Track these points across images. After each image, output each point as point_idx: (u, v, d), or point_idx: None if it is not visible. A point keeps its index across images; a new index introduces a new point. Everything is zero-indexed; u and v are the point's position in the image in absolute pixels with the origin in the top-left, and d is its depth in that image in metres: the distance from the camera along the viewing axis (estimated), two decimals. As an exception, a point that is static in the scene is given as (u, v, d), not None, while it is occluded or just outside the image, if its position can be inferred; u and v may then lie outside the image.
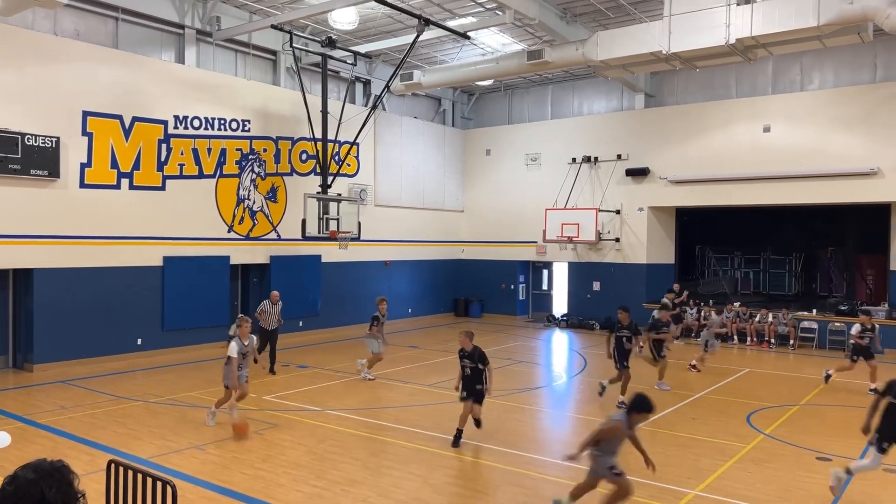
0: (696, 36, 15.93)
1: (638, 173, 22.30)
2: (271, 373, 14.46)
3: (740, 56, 16.53)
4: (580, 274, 23.88)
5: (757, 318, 20.00)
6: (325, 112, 18.22)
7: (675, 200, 22.06)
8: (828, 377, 13.92)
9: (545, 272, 26.27)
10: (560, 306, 25.20)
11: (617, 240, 22.77)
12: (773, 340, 19.32)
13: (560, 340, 20.95)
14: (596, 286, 23.39)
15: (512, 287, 25.38)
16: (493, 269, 25.64)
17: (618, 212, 22.76)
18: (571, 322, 23.45)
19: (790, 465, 9.02)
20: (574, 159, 23.70)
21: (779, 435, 10.37)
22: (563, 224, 22.49)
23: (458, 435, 9.62)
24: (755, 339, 19.67)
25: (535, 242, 24.25)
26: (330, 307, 20.47)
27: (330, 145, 18.50)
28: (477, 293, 25.92)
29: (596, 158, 23.27)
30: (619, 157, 22.78)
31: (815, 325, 19.48)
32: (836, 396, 13.17)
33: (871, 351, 13.33)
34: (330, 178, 18.32)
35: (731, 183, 20.57)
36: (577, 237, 22.31)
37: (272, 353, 14.65)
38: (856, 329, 13.57)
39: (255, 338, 10.86)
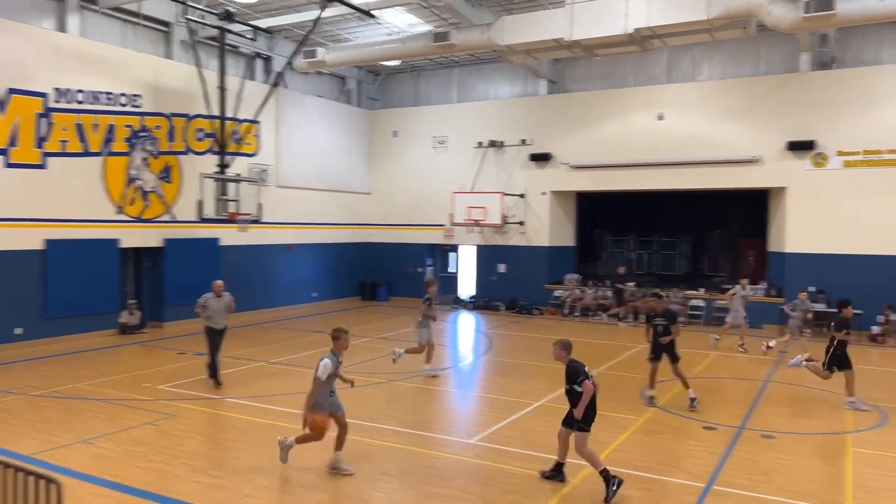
0: (596, 25, 16.40)
1: (541, 158, 22.81)
2: (215, 381, 11.92)
3: (638, 46, 17.16)
4: (486, 256, 24.24)
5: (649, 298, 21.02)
6: (222, 88, 17.43)
7: (576, 185, 22.74)
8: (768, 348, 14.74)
9: (452, 255, 26.50)
10: (467, 288, 25.51)
11: (521, 223, 23.24)
12: (621, 315, 20.52)
13: (466, 322, 21.23)
14: (502, 268, 23.82)
15: (420, 270, 25.43)
16: (400, 253, 25.58)
17: (522, 196, 23.21)
18: (478, 304, 23.81)
19: (680, 435, 9.55)
20: (480, 143, 23.93)
21: (670, 407, 10.95)
22: (470, 207, 22.71)
23: (558, 468, 7.72)
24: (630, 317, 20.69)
25: (443, 226, 24.37)
26: (230, 292, 19.72)
27: (228, 123, 17.75)
28: (384, 276, 25.80)
29: (502, 143, 23.59)
30: (523, 141, 23.19)
31: (702, 303, 20.69)
32: (724, 370, 14.05)
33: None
34: (228, 158, 17.59)
35: (628, 169, 21.43)
36: (484, 220, 22.61)
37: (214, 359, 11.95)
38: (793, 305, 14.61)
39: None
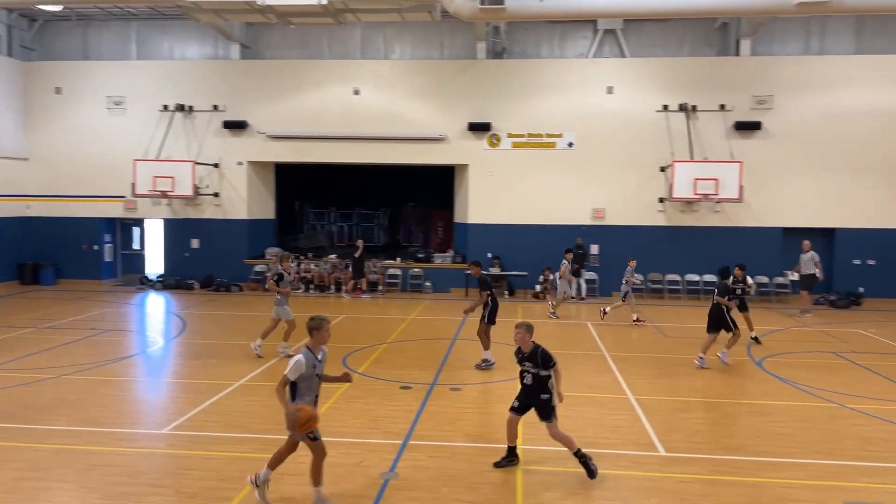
0: (290, -10, 16.00)
1: (236, 126, 21.73)
2: None
3: (332, 18, 17.20)
4: (177, 231, 22.42)
5: (351, 268, 21.61)
6: None
7: (275, 156, 22.19)
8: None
9: (136, 230, 24.00)
10: (155, 266, 23.37)
11: (216, 195, 21.95)
12: (364, 289, 21.13)
13: (156, 303, 19.45)
14: (195, 243, 22.27)
15: (96, 248, 22.55)
16: (70, 228, 22.34)
17: (216, 165, 21.90)
18: (168, 283, 21.93)
19: (379, 397, 9.96)
20: (166, 107, 21.90)
21: (370, 372, 11.38)
22: (155, 177, 20.71)
23: (511, 452, 7.40)
24: (350, 287, 21.24)
25: (124, 197, 21.87)
26: None
27: None
28: (49, 257, 22.33)
29: (191, 108, 21.89)
30: (215, 107, 21.82)
31: (399, 272, 21.90)
32: (418, 332, 15.04)
33: (745, 302, 13.77)
34: None
35: (327, 141, 21.56)
36: (173, 192, 20.82)
37: None
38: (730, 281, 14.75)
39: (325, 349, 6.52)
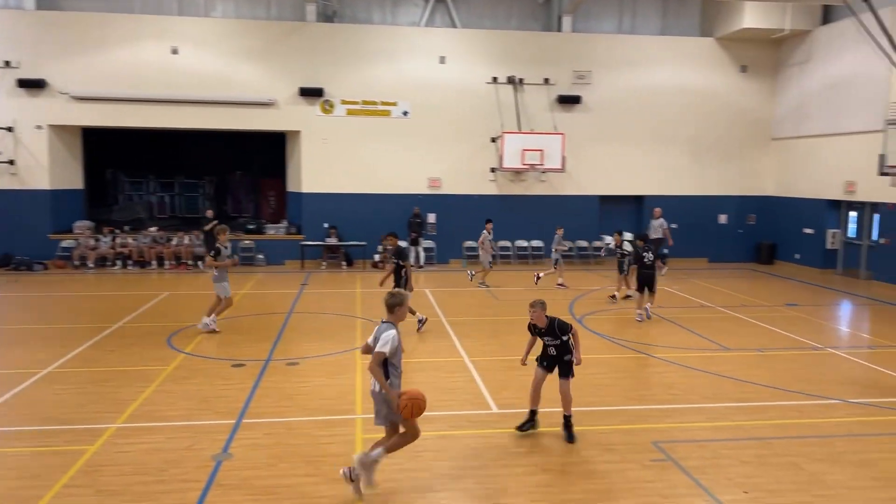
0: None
1: (33, 85, 19.24)
2: None
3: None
4: (-38, 204, 19.58)
5: (174, 242, 20.23)
6: None
7: (81, 119, 19.97)
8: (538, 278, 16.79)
9: None
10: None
11: (11, 162, 19.41)
12: (190, 262, 19.89)
13: (-62, 286, 16.94)
14: (-14, 218, 19.63)
15: None
16: None
17: (10, 129, 19.33)
18: (-46, 263, 19.16)
19: (210, 377, 9.45)
20: (-59, 60, 18.89)
21: (199, 351, 10.75)
22: (-70, 141, 17.85)
23: (532, 416, 7.52)
24: (174, 261, 19.87)
25: None
26: None
27: None
28: None
29: (-26, 62, 19.06)
30: (7, 63, 19.16)
31: (228, 244, 20.77)
32: (250, 307, 14.43)
33: (623, 266, 15.47)
34: None
35: (141, 104, 19.78)
36: (-46, 158, 18.10)
37: None
38: (612, 243, 16.33)
39: None
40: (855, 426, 7.84)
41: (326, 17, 20.82)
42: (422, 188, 21.22)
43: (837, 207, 20.22)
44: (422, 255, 20.74)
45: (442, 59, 20.93)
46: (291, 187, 22.01)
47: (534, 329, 7.49)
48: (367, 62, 20.62)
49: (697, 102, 21.98)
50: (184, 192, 26.93)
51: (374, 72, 20.67)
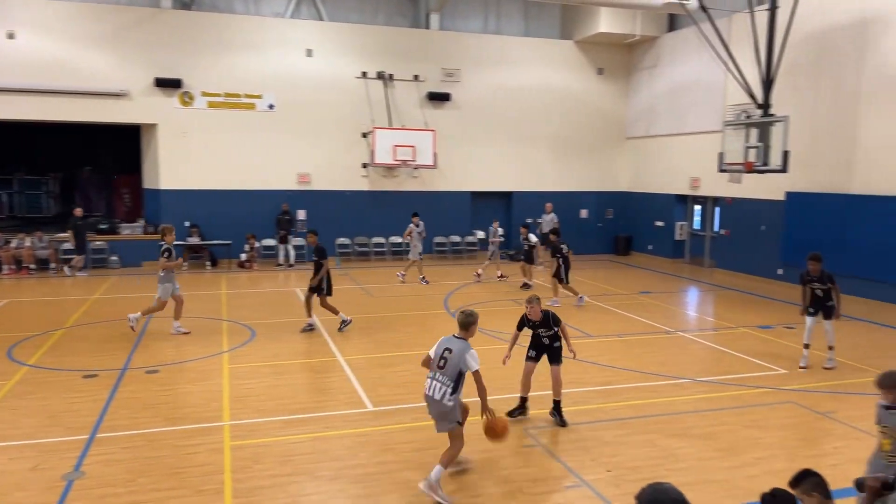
0: None
1: None
2: None
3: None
4: None
5: (14, 244, 18.40)
6: None
7: None
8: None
9: None
10: None
11: None
12: (32, 266, 18.18)
13: None
14: None
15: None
16: None
17: None
18: None
19: (58, 390, 8.68)
20: None
21: (45, 363, 9.85)
22: None
23: (523, 403, 7.97)
24: (13, 266, 18.07)
25: None
26: None
27: None
28: None
29: None
30: None
31: (72, 246, 19.20)
32: (104, 313, 13.39)
33: (532, 258, 16.83)
34: None
35: (-29, 91, 17.79)
36: None
37: None
38: (494, 232, 17.44)
39: None
40: (701, 403, 8.54)
41: (184, 4, 19.71)
42: (291, 184, 20.68)
43: (685, 202, 21.94)
44: (291, 253, 20.18)
45: (309, 52, 20.48)
46: (148, 184, 20.67)
47: (526, 322, 7.87)
48: (229, 53, 19.76)
49: (559, 102, 23.00)
50: (24, 189, 24.56)
51: (236, 63, 19.85)
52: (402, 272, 17.59)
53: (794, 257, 16.74)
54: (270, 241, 20.42)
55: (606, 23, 21.45)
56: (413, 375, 9.52)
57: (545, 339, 7.87)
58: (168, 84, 19.17)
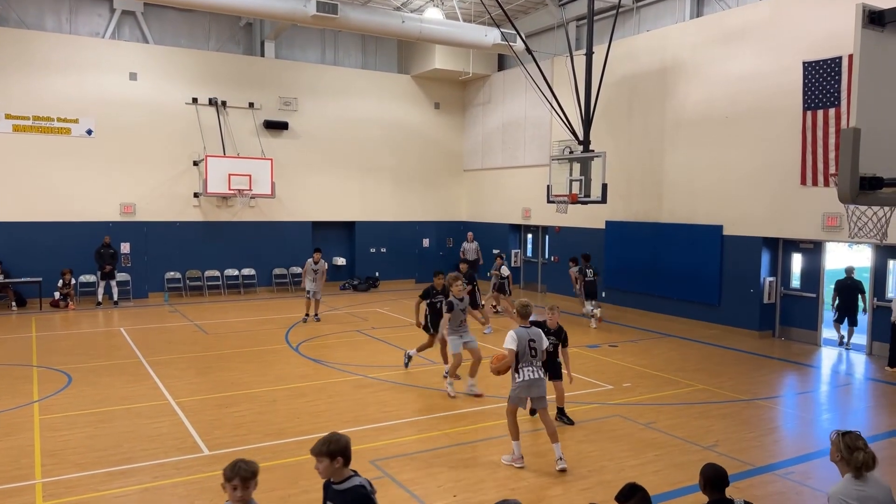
0: None
1: None
2: None
3: None
4: None
5: None
6: None
7: None
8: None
9: None
10: None
11: None
12: None
13: None
14: None
15: None
16: None
17: None
18: None
19: None
20: None
21: None
22: None
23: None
24: None
25: None
26: None
27: None
28: None
29: None
30: None
31: None
32: None
33: (504, 287, 16.81)
34: None
35: None
36: None
37: None
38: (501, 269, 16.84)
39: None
40: (537, 422, 8.94)
41: (-16, 16, 17.76)
42: (113, 215, 19.13)
43: (518, 230, 23.13)
44: (114, 289, 18.53)
45: (133, 76, 19.22)
46: (-62, 216, 18.14)
47: (541, 326, 8.22)
48: (38, 73, 18.02)
49: (398, 134, 23.44)
50: None
51: (48, 84, 18.15)
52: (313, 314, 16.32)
53: (615, 281, 18.22)
54: (90, 277, 18.69)
55: (441, 59, 22.28)
56: (253, 415, 9.11)
57: (549, 347, 8.31)
58: (-37, 104, 17.08)
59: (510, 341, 7.23)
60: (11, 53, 17.68)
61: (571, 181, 16.43)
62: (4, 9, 18.06)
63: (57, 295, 17.97)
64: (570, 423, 8.79)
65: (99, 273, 18.32)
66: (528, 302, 7.61)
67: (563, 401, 8.90)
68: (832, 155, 12.99)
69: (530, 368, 7.27)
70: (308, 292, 16.01)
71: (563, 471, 7.16)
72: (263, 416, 9.11)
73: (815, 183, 13.46)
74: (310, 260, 16.12)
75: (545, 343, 7.55)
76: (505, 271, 17.00)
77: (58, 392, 10.03)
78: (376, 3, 20.14)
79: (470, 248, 21.32)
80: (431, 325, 11.22)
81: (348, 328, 15.47)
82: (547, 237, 21.86)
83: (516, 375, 7.30)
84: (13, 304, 17.56)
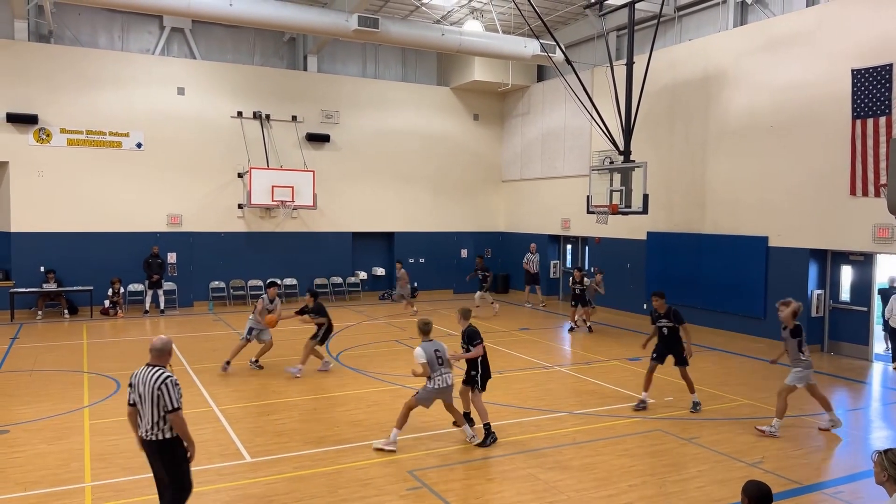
0: None
1: None
2: None
3: None
4: None
5: None
6: None
7: None
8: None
9: None
10: None
11: None
12: None
13: None
14: None
15: None
16: None
17: None
18: None
19: None
20: None
21: None
22: None
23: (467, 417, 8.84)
24: None
25: None
26: None
27: None
28: None
29: None
30: None
31: None
32: (-63, 370, 11.99)
33: (587, 299, 16.81)
34: None
35: None
36: None
37: None
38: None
39: None
40: (579, 434, 8.87)
41: (41, 36, 18.53)
42: (160, 226, 19.68)
43: (558, 241, 22.99)
44: (161, 298, 19.05)
45: (181, 91, 19.80)
46: (-2, 226, 18.95)
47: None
48: (92, 89, 18.70)
49: (437, 145, 23.60)
50: None
51: (101, 99, 18.82)
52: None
53: (656, 292, 17.94)
54: (138, 286, 19.23)
55: (480, 71, 22.38)
56: (294, 423, 9.24)
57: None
58: (22, 120, 17.81)
59: (420, 356, 8.11)
60: (66, 70, 18.39)
61: (612, 192, 16.29)
62: (60, 28, 18.82)
63: (106, 303, 18.54)
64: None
65: (147, 282, 18.85)
66: (428, 320, 8.54)
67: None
68: (883, 165, 12.62)
69: (441, 377, 8.18)
70: (249, 332, 12.44)
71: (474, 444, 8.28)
72: (304, 424, 9.24)
73: (864, 193, 13.09)
74: (264, 296, 12.78)
75: (448, 352, 8.44)
76: (587, 281, 17.08)
77: (107, 398, 10.33)
78: (416, 16, 20.38)
79: (533, 259, 21.38)
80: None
81: (386, 338, 15.58)
82: (587, 248, 21.67)
83: (429, 383, 8.16)
84: (66, 311, 18.19)
